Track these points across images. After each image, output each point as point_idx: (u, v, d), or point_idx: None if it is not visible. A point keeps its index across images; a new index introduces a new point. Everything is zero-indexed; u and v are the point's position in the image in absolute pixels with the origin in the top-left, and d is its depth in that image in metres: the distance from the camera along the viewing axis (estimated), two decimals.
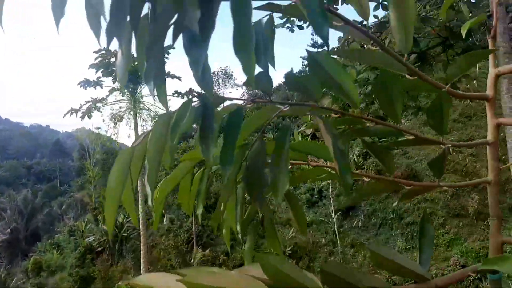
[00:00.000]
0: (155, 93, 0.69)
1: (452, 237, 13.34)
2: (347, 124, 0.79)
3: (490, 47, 0.81)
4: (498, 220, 0.84)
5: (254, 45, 0.46)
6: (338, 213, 15.54)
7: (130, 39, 0.70)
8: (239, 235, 0.88)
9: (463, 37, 0.85)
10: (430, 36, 5.24)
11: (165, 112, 0.72)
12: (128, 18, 0.64)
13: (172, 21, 0.67)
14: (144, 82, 0.67)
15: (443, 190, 14.42)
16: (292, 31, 7.07)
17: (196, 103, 0.70)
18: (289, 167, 0.99)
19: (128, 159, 0.70)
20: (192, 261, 16.46)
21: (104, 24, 0.71)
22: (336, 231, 15.23)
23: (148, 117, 13.49)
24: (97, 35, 0.69)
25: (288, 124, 0.69)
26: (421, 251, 0.83)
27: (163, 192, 0.90)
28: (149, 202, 0.66)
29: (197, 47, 0.53)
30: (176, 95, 12.31)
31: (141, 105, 13.28)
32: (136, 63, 0.74)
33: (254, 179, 0.82)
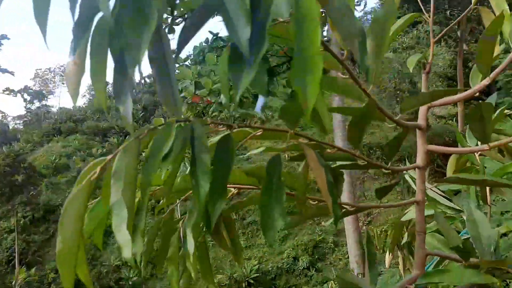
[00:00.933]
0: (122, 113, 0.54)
1: (286, 233, 14.72)
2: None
3: (423, 81, 0.91)
4: (424, 235, 0.93)
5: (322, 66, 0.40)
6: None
7: (87, 43, 0.54)
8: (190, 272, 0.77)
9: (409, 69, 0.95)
10: (278, 55, 5.69)
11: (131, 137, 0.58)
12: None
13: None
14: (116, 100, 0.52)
15: None
16: None
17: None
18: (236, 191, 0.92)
19: (84, 205, 0.54)
20: (14, 283, 14.10)
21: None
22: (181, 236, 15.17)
23: None
24: (44, 31, 0.51)
25: (278, 157, 0.64)
26: (369, 269, 0.87)
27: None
28: (127, 254, 0.51)
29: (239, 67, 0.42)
30: (7, 92, 10.39)
31: None
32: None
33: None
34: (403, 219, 1.44)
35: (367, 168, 0.87)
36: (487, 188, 1.16)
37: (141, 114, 20.48)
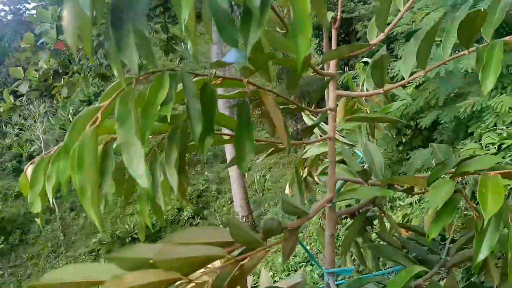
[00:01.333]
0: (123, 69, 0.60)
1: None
2: (256, 96, 0.91)
3: (334, 36, 1.11)
4: (334, 164, 1.17)
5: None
6: None
7: None
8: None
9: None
10: None
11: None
12: None
13: None
14: (116, 55, 0.57)
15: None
16: None
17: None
18: None
19: (96, 148, 0.59)
20: None
21: None
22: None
23: None
24: None
25: (247, 100, 0.76)
26: (299, 193, 1.08)
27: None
28: (144, 184, 0.59)
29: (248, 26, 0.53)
30: None
31: None
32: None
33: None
34: (304, 156, 1.70)
35: (297, 111, 1.05)
36: (374, 125, 1.46)
37: None
